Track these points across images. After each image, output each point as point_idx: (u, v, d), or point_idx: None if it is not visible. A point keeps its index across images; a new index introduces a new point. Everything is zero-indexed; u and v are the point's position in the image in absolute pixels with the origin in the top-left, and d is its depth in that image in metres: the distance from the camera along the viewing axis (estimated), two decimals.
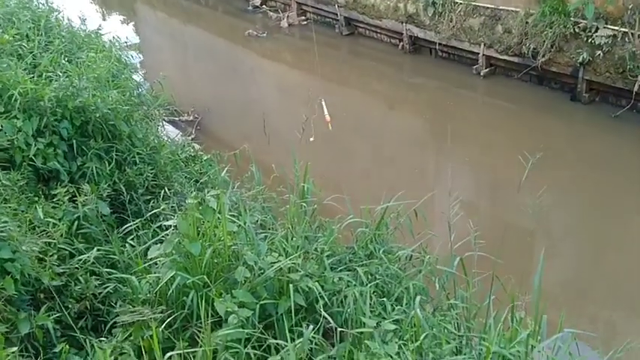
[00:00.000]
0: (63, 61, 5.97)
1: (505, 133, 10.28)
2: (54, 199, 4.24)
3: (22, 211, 3.98)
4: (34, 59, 5.98)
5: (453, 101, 11.49)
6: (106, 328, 3.59)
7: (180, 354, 3.00)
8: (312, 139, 4.65)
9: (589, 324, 5.79)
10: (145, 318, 3.08)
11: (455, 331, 3.50)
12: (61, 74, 5.37)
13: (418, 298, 3.33)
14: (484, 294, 3.58)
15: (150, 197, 4.94)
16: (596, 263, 6.95)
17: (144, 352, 3.21)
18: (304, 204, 4.28)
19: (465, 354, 3.19)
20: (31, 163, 4.47)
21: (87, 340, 3.28)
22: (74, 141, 4.69)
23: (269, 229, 4.34)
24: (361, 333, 3.22)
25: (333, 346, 3.33)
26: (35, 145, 4.47)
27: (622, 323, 6.00)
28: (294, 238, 3.88)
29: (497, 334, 3.15)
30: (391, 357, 2.97)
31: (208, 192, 3.81)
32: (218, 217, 3.66)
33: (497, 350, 2.91)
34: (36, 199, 4.24)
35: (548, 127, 10.03)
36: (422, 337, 3.08)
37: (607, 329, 5.86)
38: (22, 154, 4.44)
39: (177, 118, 10.15)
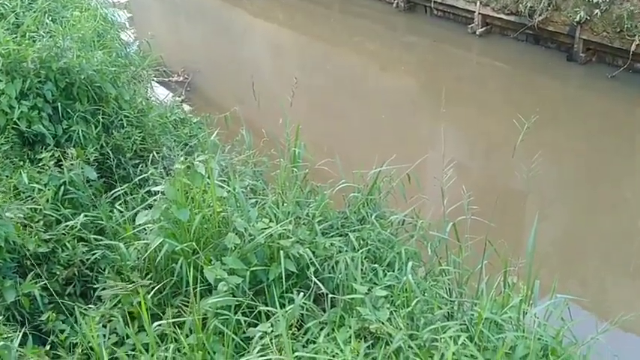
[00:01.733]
0: (47, 21, 5.80)
1: (499, 94, 10.17)
2: (39, 164, 4.15)
3: (7, 177, 3.89)
4: (16, 19, 5.80)
5: (447, 61, 11.31)
6: (95, 295, 3.55)
7: (170, 322, 2.96)
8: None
9: (582, 287, 5.82)
10: (131, 290, 3.03)
11: (446, 296, 3.48)
12: (44, 34, 5.20)
13: (410, 263, 3.30)
14: (477, 259, 3.55)
15: (138, 161, 4.85)
16: (589, 226, 6.95)
17: (133, 319, 3.18)
18: (295, 168, 4.20)
19: (456, 319, 3.17)
20: (15, 126, 4.35)
21: (75, 307, 3.24)
22: (59, 104, 4.56)
23: (259, 194, 4.27)
24: (352, 299, 3.19)
25: (324, 312, 3.30)
26: (19, 108, 4.35)
27: (615, 286, 6.03)
28: (285, 204, 3.81)
29: (489, 299, 3.12)
30: (382, 323, 2.95)
31: (197, 156, 3.73)
32: (207, 183, 3.58)
33: (490, 316, 2.89)
34: (21, 163, 4.15)
35: (543, 87, 9.91)
36: (414, 303, 3.05)
37: (600, 293, 5.89)
38: (6, 118, 4.33)
39: (167, 79, 9.96)
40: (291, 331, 2.91)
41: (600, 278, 6.14)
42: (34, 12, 5.95)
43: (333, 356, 2.76)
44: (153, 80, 7.56)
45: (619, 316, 3.10)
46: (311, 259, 3.39)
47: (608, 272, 6.17)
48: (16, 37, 5.03)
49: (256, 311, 3.19)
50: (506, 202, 6.59)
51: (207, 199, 3.57)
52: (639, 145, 8.53)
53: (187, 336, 2.94)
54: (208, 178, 3.55)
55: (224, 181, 3.89)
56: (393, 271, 3.56)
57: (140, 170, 4.66)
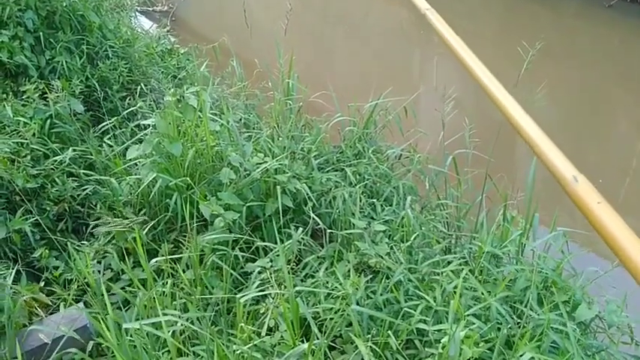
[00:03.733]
0: None
1: (494, 23, 9.94)
2: (23, 97, 3.99)
3: None
4: None
5: None
6: (87, 231, 3.49)
7: (168, 257, 2.92)
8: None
9: (580, 222, 5.84)
10: (127, 228, 2.96)
11: (445, 230, 3.46)
12: None
13: (409, 198, 3.25)
14: (475, 194, 3.51)
15: (125, 94, 4.69)
16: (585, 159, 6.93)
17: (128, 254, 3.14)
18: (290, 101, 4.07)
19: (455, 253, 3.16)
20: None
21: (68, 243, 3.18)
22: (41, 33, 4.34)
23: (253, 128, 4.16)
24: (350, 234, 3.16)
25: (322, 248, 3.28)
26: None
27: None
28: (280, 138, 3.71)
29: (488, 233, 3.11)
30: (381, 257, 2.93)
31: (187, 88, 3.59)
32: (199, 116, 3.47)
33: (490, 249, 2.87)
34: (4, 96, 3.98)
35: (539, 17, 9.68)
36: (412, 238, 3.02)
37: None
38: None
39: (150, 9, 9.58)
40: (289, 266, 2.89)
41: None
42: None
43: (333, 290, 2.75)
44: (136, 10, 7.26)
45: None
46: (308, 194, 3.33)
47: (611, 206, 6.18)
48: None
49: (254, 247, 3.16)
50: (504, 136, 6.52)
51: (199, 132, 3.46)
52: (634, 74, 8.42)
53: (184, 272, 2.91)
54: (200, 111, 3.43)
55: (216, 114, 3.78)
56: (391, 206, 3.52)
57: (128, 103, 4.51)
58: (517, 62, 3.66)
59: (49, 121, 3.89)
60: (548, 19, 9.72)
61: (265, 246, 3.11)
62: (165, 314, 2.46)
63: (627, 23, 9.13)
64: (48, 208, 3.48)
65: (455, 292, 2.59)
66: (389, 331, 2.48)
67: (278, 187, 3.27)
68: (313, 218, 3.25)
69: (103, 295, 2.79)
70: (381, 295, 2.73)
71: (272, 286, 2.71)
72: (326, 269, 2.96)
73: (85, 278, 2.84)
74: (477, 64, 1.61)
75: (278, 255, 2.93)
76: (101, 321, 2.37)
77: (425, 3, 1.90)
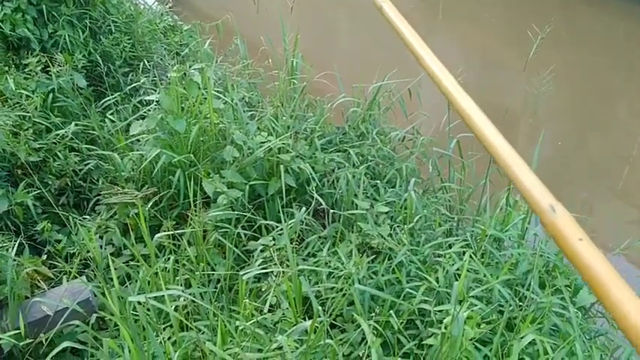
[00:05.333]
0: None
1: (498, 8, 9.85)
2: (25, 70, 3.95)
3: None
4: None
5: None
6: (89, 206, 3.49)
7: (172, 233, 2.92)
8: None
9: (584, 207, 5.85)
10: (131, 200, 2.95)
11: (447, 212, 3.46)
12: None
13: (413, 180, 3.24)
14: (478, 178, 3.51)
15: (128, 70, 4.65)
16: (588, 146, 6.92)
17: (130, 230, 3.14)
18: (294, 81, 4.05)
19: (457, 236, 3.16)
20: None
21: (70, 217, 3.17)
22: (44, 6, 4.29)
23: (256, 107, 4.14)
24: (353, 214, 3.16)
25: (324, 227, 3.28)
26: (2, 10, 4.09)
27: (616, 209, 6.07)
28: (283, 117, 3.70)
29: (491, 216, 3.11)
30: (384, 238, 2.93)
31: (191, 66, 3.56)
32: (203, 93, 3.45)
33: (493, 233, 2.88)
34: (6, 69, 3.94)
35: (544, 3, 9.61)
36: (415, 220, 3.02)
37: (602, 214, 5.92)
38: None
39: None
40: (292, 245, 2.89)
41: (604, 200, 6.16)
42: None
43: (335, 269, 2.75)
44: None
45: (627, 241, 3.10)
46: (311, 174, 3.33)
47: (610, 194, 6.19)
48: None
49: (256, 226, 3.15)
50: (509, 120, 6.51)
51: (203, 110, 3.44)
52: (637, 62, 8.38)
53: (185, 249, 2.91)
54: (204, 88, 3.41)
55: (219, 92, 3.75)
56: (394, 188, 3.52)
57: (130, 79, 4.49)
58: (521, 47, 3.65)
59: (51, 94, 3.87)
60: (555, 6, 9.65)
61: (267, 225, 3.11)
62: (168, 289, 2.47)
63: (634, 11, 9.07)
64: (50, 182, 3.47)
65: (457, 274, 2.60)
66: (390, 311, 2.49)
67: (281, 166, 3.27)
68: (316, 198, 3.25)
69: (105, 269, 2.80)
70: (383, 275, 2.74)
71: (275, 264, 2.71)
72: (328, 249, 2.97)
73: (88, 252, 2.84)
74: (435, 64, 1.47)
75: (281, 234, 2.93)
76: (105, 294, 2.38)
77: None
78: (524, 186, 1.06)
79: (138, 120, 3.52)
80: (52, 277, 2.83)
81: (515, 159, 1.10)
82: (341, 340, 2.54)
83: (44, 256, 2.96)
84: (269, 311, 2.58)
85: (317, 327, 2.32)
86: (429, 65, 1.43)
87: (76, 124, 3.72)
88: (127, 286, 2.84)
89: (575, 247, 0.94)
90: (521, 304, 2.55)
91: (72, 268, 2.85)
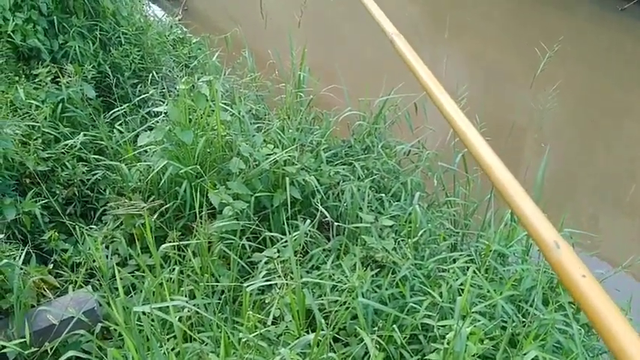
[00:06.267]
0: None
1: (505, 24, 9.90)
2: (35, 80, 4.01)
3: (2, 92, 3.75)
4: None
5: None
6: (96, 216, 3.51)
7: (177, 244, 2.94)
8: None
9: (587, 224, 5.83)
10: (138, 212, 2.98)
11: (452, 227, 3.47)
12: None
13: (417, 194, 3.26)
14: (483, 193, 3.52)
15: (137, 81, 4.70)
16: (594, 161, 6.91)
17: (136, 240, 3.16)
18: (301, 94, 4.08)
19: (461, 251, 3.17)
20: (9, 40, 4.16)
21: (76, 226, 3.20)
22: (55, 17, 4.35)
23: (263, 119, 4.17)
24: (357, 228, 3.17)
25: (329, 240, 3.29)
26: (13, 21, 4.15)
27: (620, 225, 6.05)
28: (290, 130, 3.73)
29: (495, 231, 3.12)
30: (388, 252, 2.94)
31: (199, 78, 3.60)
32: (211, 105, 3.48)
33: (497, 248, 2.88)
34: (17, 79, 4.00)
35: (551, 19, 9.64)
36: (420, 234, 3.03)
37: (606, 231, 5.90)
38: (0, 30, 4.14)
39: None
40: (296, 257, 2.90)
41: (609, 216, 6.14)
42: None
43: (339, 282, 2.76)
44: None
45: (630, 258, 3.09)
46: (316, 186, 3.34)
47: (616, 209, 6.17)
48: None
49: (261, 237, 3.17)
50: (515, 135, 6.51)
51: (210, 122, 3.47)
52: None
53: (190, 260, 2.93)
54: (212, 100, 3.45)
55: (227, 104, 3.79)
56: (398, 201, 3.53)
57: (139, 90, 4.53)
58: (528, 62, 3.66)
59: (60, 105, 3.91)
60: (560, 22, 9.68)
61: (272, 236, 3.13)
62: (172, 299, 2.48)
63: (638, 27, 9.09)
64: (57, 192, 3.50)
65: (461, 289, 2.60)
66: (394, 325, 2.50)
67: (287, 178, 3.29)
68: (320, 211, 3.26)
69: (111, 278, 2.82)
70: (387, 289, 2.74)
71: (279, 276, 2.72)
72: (332, 262, 2.98)
73: (94, 262, 2.86)
74: (448, 103, 1.48)
75: (285, 246, 2.95)
76: (110, 304, 2.39)
77: (393, 28, 1.82)
78: (529, 221, 1.07)
79: (146, 131, 3.56)
80: (58, 286, 2.86)
81: (521, 195, 1.12)
82: (344, 354, 2.54)
83: (50, 265, 2.99)
84: (272, 324, 2.59)
85: (320, 340, 2.33)
86: (443, 105, 1.45)
87: (85, 135, 3.76)
88: (131, 296, 2.86)
89: (578, 284, 0.95)
90: (524, 320, 2.55)
91: (78, 278, 2.88)
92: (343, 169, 3.67)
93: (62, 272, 2.98)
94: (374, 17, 1.94)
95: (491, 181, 1.18)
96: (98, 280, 2.91)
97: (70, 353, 2.42)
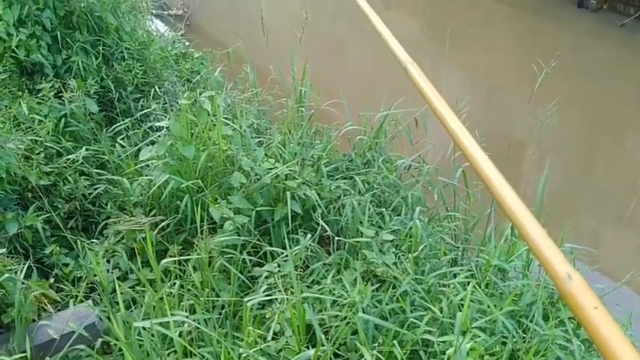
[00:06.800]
0: None
1: (507, 39, 9.96)
2: (39, 95, 4.04)
3: (5, 106, 3.79)
4: None
5: (452, 3, 11.02)
6: (97, 230, 3.52)
7: (178, 258, 2.95)
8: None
9: (588, 239, 5.83)
10: (139, 227, 2.99)
11: (452, 242, 3.47)
12: None
13: (418, 209, 3.27)
14: (483, 207, 3.53)
15: (139, 96, 4.73)
16: (594, 176, 6.92)
17: (137, 254, 3.16)
18: (302, 108, 4.11)
19: (462, 265, 3.17)
20: (13, 55, 4.21)
21: (78, 240, 3.21)
22: (58, 33, 4.40)
23: (264, 134, 4.19)
24: (358, 242, 3.18)
25: (329, 255, 3.30)
26: (17, 36, 4.19)
27: (621, 241, 6.04)
28: (291, 145, 3.75)
29: (497, 247, 3.12)
30: (388, 266, 2.95)
31: (201, 92, 3.63)
32: (212, 120, 3.50)
33: (497, 263, 2.89)
34: (20, 93, 4.03)
35: (551, 34, 9.71)
36: (420, 248, 3.04)
37: (608, 246, 5.90)
38: (4, 45, 4.18)
39: (165, 12, 9.66)
40: (297, 272, 2.91)
41: (609, 231, 6.14)
42: None
43: (339, 297, 2.76)
44: (151, 13, 7.33)
45: (630, 273, 3.10)
46: (317, 200, 3.36)
47: (616, 224, 6.17)
48: None
49: (261, 252, 3.18)
50: (515, 150, 6.53)
51: (212, 136, 3.49)
52: None
53: (190, 274, 2.93)
54: (214, 115, 3.47)
55: (228, 118, 3.81)
56: (399, 216, 3.54)
57: (141, 105, 4.56)
58: (528, 76, 3.68)
59: (63, 119, 3.95)
60: (561, 37, 9.74)
61: (273, 251, 3.14)
62: (173, 314, 2.48)
63: (638, 42, 9.14)
64: (59, 206, 3.52)
65: (461, 304, 2.60)
66: (394, 341, 2.50)
67: (288, 192, 3.30)
68: (321, 225, 3.27)
69: (111, 293, 2.82)
70: (387, 304, 2.74)
71: (279, 291, 2.73)
72: (333, 276, 2.98)
73: (95, 276, 2.87)
74: (462, 132, 1.49)
75: (285, 260, 2.95)
76: (111, 319, 2.40)
77: (407, 56, 1.84)
78: (541, 252, 1.07)
79: (148, 145, 3.58)
80: (59, 300, 2.86)
81: (533, 225, 1.12)
82: None
83: (52, 280, 2.99)
84: (272, 339, 2.59)
85: (320, 356, 2.33)
86: (459, 136, 1.46)
87: (87, 149, 3.78)
88: (132, 311, 2.86)
89: (590, 316, 0.96)
90: (524, 335, 2.55)
91: (79, 292, 2.88)
92: (344, 183, 3.68)
93: (63, 286, 2.99)
94: (388, 45, 1.96)
95: (504, 210, 1.19)
96: (99, 294, 2.91)
97: None
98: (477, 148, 1.38)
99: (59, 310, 2.78)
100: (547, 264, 1.06)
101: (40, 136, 3.64)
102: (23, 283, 2.66)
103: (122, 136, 4.05)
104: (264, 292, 2.78)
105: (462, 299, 2.64)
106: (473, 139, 1.41)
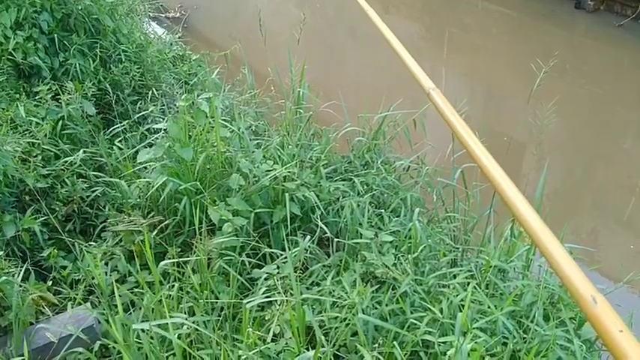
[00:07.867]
0: None
1: (504, 40, 9.96)
2: (36, 97, 4.03)
3: (2, 109, 3.77)
4: None
5: (451, 6, 11.04)
6: (95, 232, 3.51)
7: (177, 260, 2.93)
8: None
9: (587, 239, 5.82)
10: (138, 228, 2.98)
11: (452, 243, 3.46)
12: None
13: (417, 210, 3.26)
14: (482, 208, 3.52)
15: (137, 98, 4.72)
16: (593, 177, 6.92)
17: (135, 257, 3.15)
18: (300, 110, 4.10)
19: (461, 266, 3.16)
20: (10, 57, 4.19)
21: (76, 243, 3.20)
22: (55, 35, 4.39)
23: (262, 135, 4.19)
24: (357, 243, 3.16)
25: (329, 256, 3.29)
26: (14, 39, 4.18)
27: (622, 240, 6.04)
28: (289, 146, 3.74)
29: (496, 247, 3.11)
30: (388, 268, 2.93)
31: (199, 94, 3.62)
32: (210, 122, 3.49)
33: (497, 263, 2.88)
34: (17, 96, 4.02)
35: (549, 35, 9.72)
36: (420, 249, 3.03)
37: (607, 245, 5.90)
38: (1, 48, 4.17)
39: (162, 15, 9.65)
40: (296, 274, 2.90)
41: (609, 231, 6.13)
42: None
43: (339, 298, 2.75)
44: (149, 15, 7.33)
45: (632, 273, 3.09)
46: (316, 202, 3.34)
47: (616, 225, 6.17)
48: None
49: (260, 254, 3.17)
50: (513, 150, 6.52)
51: (210, 138, 3.48)
52: None
53: (189, 276, 2.92)
54: (212, 116, 3.46)
55: (227, 120, 3.80)
56: (398, 217, 3.53)
57: (139, 107, 4.55)
58: (526, 78, 3.68)
59: (60, 122, 3.93)
60: (558, 37, 9.75)
61: (272, 253, 3.12)
62: (172, 317, 2.47)
63: (637, 43, 9.15)
64: (57, 209, 3.50)
65: (461, 305, 2.59)
66: (394, 342, 2.48)
67: (286, 194, 3.29)
68: (320, 227, 3.26)
69: (110, 295, 2.80)
70: (387, 305, 2.73)
71: (278, 292, 2.71)
72: (332, 278, 2.97)
73: (93, 279, 2.85)
74: (487, 157, 1.51)
75: (285, 262, 2.94)
76: (109, 321, 2.38)
77: (430, 82, 1.86)
78: (565, 275, 1.08)
79: (145, 148, 3.57)
80: (57, 303, 2.85)
81: (558, 248, 1.14)
82: None
83: (49, 282, 2.98)
84: (272, 340, 2.57)
85: (320, 357, 2.32)
86: (483, 161, 1.47)
87: (85, 151, 3.77)
88: (130, 313, 2.84)
89: (616, 339, 0.97)
90: (525, 336, 2.54)
91: (77, 295, 2.87)
92: (343, 184, 3.68)
93: (61, 289, 2.97)
94: (411, 71, 1.96)
95: (528, 233, 1.21)
96: (97, 297, 2.89)
97: None
98: (504, 176, 1.41)
99: (57, 313, 2.77)
100: (572, 287, 1.08)
101: (38, 139, 3.63)
102: (21, 286, 2.64)
103: (120, 139, 4.03)
104: (263, 293, 2.77)
105: (462, 300, 2.63)
106: (499, 167, 1.43)
